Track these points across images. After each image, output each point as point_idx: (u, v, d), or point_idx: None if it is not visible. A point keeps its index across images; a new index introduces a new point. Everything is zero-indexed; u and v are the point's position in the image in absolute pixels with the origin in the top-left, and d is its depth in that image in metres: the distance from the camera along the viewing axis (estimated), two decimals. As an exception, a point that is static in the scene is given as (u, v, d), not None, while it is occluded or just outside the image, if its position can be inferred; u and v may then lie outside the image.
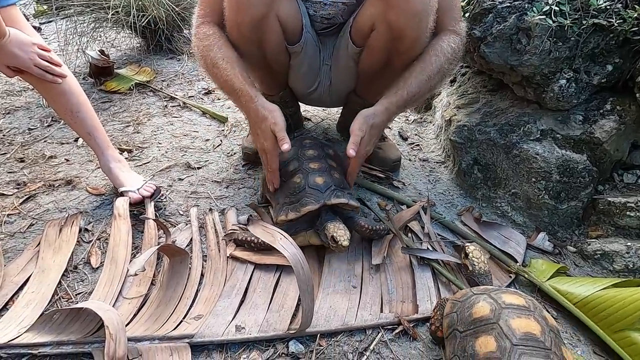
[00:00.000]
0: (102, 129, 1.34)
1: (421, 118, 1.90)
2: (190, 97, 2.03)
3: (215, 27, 1.17)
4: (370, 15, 1.12)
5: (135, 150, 1.62)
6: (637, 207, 1.13)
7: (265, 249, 1.07)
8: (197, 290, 1.04)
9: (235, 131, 1.77)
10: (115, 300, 0.99)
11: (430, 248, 1.18)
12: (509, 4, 1.22)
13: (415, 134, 1.80)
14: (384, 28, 1.10)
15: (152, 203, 1.26)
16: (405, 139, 1.77)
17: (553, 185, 1.22)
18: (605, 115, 1.20)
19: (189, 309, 0.99)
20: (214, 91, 2.08)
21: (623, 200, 1.16)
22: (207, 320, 0.94)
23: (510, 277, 1.11)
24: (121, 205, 1.22)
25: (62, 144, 1.66)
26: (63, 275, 1.06)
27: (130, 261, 1.10)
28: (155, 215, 1.24)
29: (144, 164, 1.54)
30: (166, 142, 1.67)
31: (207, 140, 1.70)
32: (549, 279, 1.07)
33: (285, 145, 1.05)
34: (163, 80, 2.18)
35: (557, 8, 1.14)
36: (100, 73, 2.09)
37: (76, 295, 1.02)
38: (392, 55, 1.17)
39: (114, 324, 0.85)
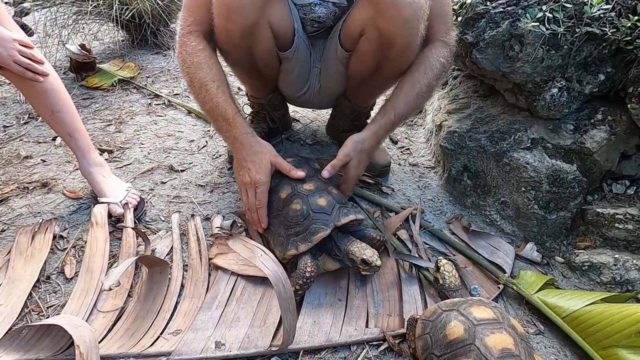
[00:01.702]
0: (84, 130, 1.28)
1: (412, 121, 1.87)
2: (175, 95, 1.97)
3: (204, 40, 1.10)
4: (360, 21, 1.08)
5: (117, 150, 1.56)
6: (626, 219, 1.12)
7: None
8: (177, 303, 1.00)
9: (221, 132, 1.72)
10: (89, 314, 0.95)
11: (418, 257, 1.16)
12: (502, 10, 1.19)
13: (406, 137, 1.78)
14: (373, 34, 1.06)
15: (132, 210, 1.20)
16: (395, 142, 1.74)
17: (543, 195, 1.20)
18: (596, 125, 1.18)
19: (168, 323, 0.95)
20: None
21: (612, 212, 1.15)
22: (185, 336, 0.90)
23: (499, 288, 1.09)
24: (99, 213, 1.17)
25: (39, 143, 1.59)
26: (34, 286, 1.02)
27: (107, 272, 1.05)
28: (135, 222, 1.20)
29: (125, 165, 1.48)
30: (149, 143, 1.61)
31: (192, 141, 1.64)
32: (537, 291, 1.06)
33: (300, 173, 1.06)
34: (148, 77, 2.11)
35: (550, 15, 1.11)
36: (81, 68, 2.02)
37: (48, 308, 0.98)
38: (381, 62, 1.13)
39: (86, 341, 0.81)
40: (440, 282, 0.93)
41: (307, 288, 0.95)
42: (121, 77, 2.01)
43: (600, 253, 1.15)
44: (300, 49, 1.25)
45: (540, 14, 1.12)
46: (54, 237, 1.15)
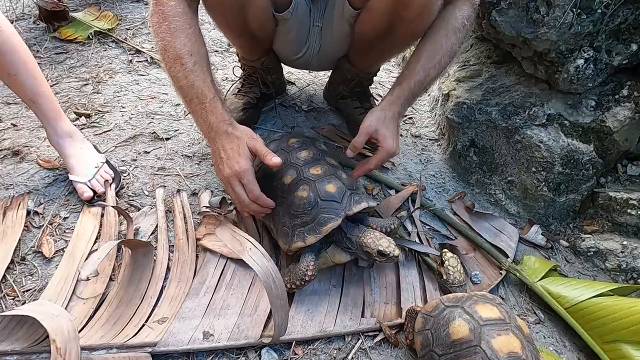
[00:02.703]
0: (51, 94, 1.13)
1: (416, 86, 1.74)
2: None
3: (183, 1, 0.91)
4: None
5: (95, 115, 1.43)
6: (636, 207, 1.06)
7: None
8: (163, 287, 0.95)
9: (209, 95, 1.58)
10: (69, 300, 0.89)
11: (418, 241, 1.10)
12: (530, -37, 1.04)
13: (409, 105, 1.65)
14: None
15: (113, 186, 1.11)
16: (397, 110, 1.62)
17: (554, 177, 1.13)
18: (621, 102, 1.08)
19: (153, 310, 0.90)
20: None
21: (625, 196, 1.08)
22: (171, 326, 0.85)
23: (501, 274, 1.05)
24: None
25: (9, 104, 1.45)
26: (8, 267, 0.95)
27: (87, 256, 0.98)
28: (116, 199, 1.11)
29: (105, 132, 1.36)
30: (130, 106, 1.48)
31: (178, 104, 1.51)
32: (540, 278, 1.02)
33: (275, 159, 0.88)
34: (128, 29, 1.91)
35: (585, -28, 0.96)
36: (52, 17, 1.81)
37: (24, 292, 0.92)
38: (395, 23, 1.00)
39: (64, 333, 0.76)
40: (444, 277, 0.88)
41: (303, 287, 0.89)
42: (98, 29, 1.82)
43: (607, 239, 1.10)
44: (300, 7, 1.09)
45: (573, -30, 0.97)
46: (28, 212, 1.07)
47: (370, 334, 0.89)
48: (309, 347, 0.86)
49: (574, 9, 0.98)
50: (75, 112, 1.41)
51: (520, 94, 1.20)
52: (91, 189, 1.09)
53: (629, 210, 1.07)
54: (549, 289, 0.99)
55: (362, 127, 0.99)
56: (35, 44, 1.75)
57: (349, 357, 0.85)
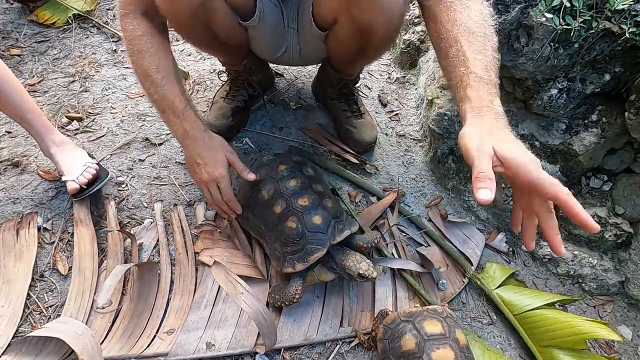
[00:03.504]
0: (37, 108, 1.16)
1: (404, 77, 1.75)
2: (143, 36, 1.75)
3: (144, 21, 0.96)
4: (331, 10, 0.94)
5: (86, 117, 1.46)
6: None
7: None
8: (168, 299, 1.09)
9: (198, 90, 1.59)
10: (88, 316, 1.03)
11: (394, 250, 1.23)
12: (516, -11, 1.03)
13: (396, 99, 1.68)
14: (347, 22, 0.93)
15: (114, 204, 1.20)
16: (384, 105, 1.65)
17: (520, 193, 1.22)
18: (589, 127, 1.14)
19: (161, 322, 1.04)
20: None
21: (582, 212, 1.19)
22: (179, 337, 1.01)
23: (464, 282, 1.20)
24: (81, 210, 1.16)
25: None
26: (30, 285, 1.07)
27: (99, 268, 1.10)
28: (99, 190, 1.19)
29: (98, 138, 1.41)
30: (120, 106, 1.50)
31: (167, 104, 1.53)
32: (498, 286, 1.17)
33: (252, 175, 1.00)
34: (108, 9, 1.83)
35: (568, 4, 0.97)
36: (27, -1, 1.73)
37: (47, 308, 1.05)
38: (363, 45, 1.01)
39: (89, 350, 0.91)
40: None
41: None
42: (77, 11, 1.74)
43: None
44: (267, 11, 1.08)
45: (557, 2, 0.97)
46: (38, 229, 1.16)
47: (348, 339, 1.06)
48: (295, 352, 1.03)
49: (552, 44, 1.00)
50: (67, 117, 1.43)
51: (498, 109, 1.25)
52: (77, 183, 1.16)
53: (583, 225, 1.19)
54: (503, 297, 1.15)
55: (480, 162, 0.66)
56: (13, 30, 1.70)
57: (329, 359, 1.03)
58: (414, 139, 1.55)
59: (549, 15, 0.97)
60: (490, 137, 0.67)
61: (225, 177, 1.03)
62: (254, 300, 0.92)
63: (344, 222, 1.05)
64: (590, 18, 0.97)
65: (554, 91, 1.08)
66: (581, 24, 0.97)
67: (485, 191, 0.66)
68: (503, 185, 1.24)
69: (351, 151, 1.43)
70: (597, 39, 1.00)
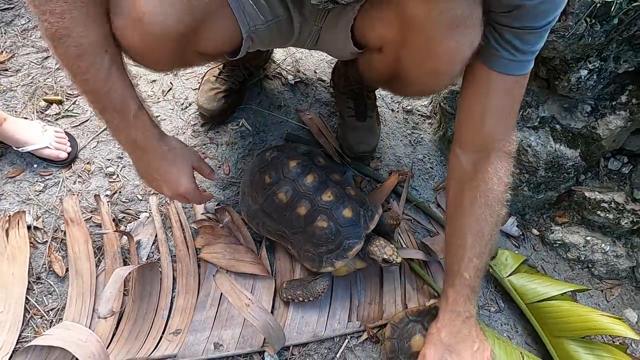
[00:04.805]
0: None
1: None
2: None
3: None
4: (380, 37, 0.79)
5: (66, 100, 1.33)
6: (610, 207, 1.13)
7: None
8: (172, 299, 1.06)
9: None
10: (91, 319, 1.00)
11: (400, 238, 1.19)
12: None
13: (402, 68, 1.55)
14: (392, 59, 0.79)
15: (106, 201, 1.13)
16: (390, 76, 1.52)
17: (536, 179, 1.16)
18: (616, 110, 1.05)
19: (167, 322, 1.02)
20: None
21: (599, 198, 1.14)
22: (186, 338, 0.99)
23: (472, 269, 1.17)
24: (71, 208, 1.09)
25: (-31, 88, 1.33)
26: (27, 288, 1.03)
27: (97, 268, 1.06)
28: (110, 208, 1.13)
29: (82, 123, 1.30)
30: (103, 85, 1.37)
31: (154, 81, 1.40)
32: (510, 274, 1.15)
33: (215, 175, 0.95)
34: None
35: (612, -29, 0.83)
36: (-17, -42, 1.50)
37: (48, 311, 1.02)
38: (397, 85, 0.90)
39: (95, 357, 0.89)
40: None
41: None
42: (43, -29, 1.53)
43: (574, 232, 1.20)
44: (260, 34, 0.85)
45: (599, -32, 0.84)
46: (29, 227, 1.10)
47: (356, 334, 1.06)
48: (304, 348, 1.03)
49: (588, 19, 0.88)
50: (44, 99, 1.31)
51: (517, 88, 1.14)
52: (65, 152, 1.12)
53: (598, 212, 1.15)
54: (515, 284, 1.13)
55: None
56: (-28, -5, 1.50)
57: (337, 355, 1.03)
58: (422, 115, 1.45)
59: (589, -15, 0.84)
60: (450, 357, 0.81)
61: (191, 190, 0.88)
62: (260, 312, 0.90)
63: (370, 207, 1.02)
64: (635, -12, 0.84)
65: (584, 72, 0.98)
66: (625, -5, 0.85)
67: None
68: (517, 171, 1.18)
69: (342, 153, 1.29)
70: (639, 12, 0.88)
